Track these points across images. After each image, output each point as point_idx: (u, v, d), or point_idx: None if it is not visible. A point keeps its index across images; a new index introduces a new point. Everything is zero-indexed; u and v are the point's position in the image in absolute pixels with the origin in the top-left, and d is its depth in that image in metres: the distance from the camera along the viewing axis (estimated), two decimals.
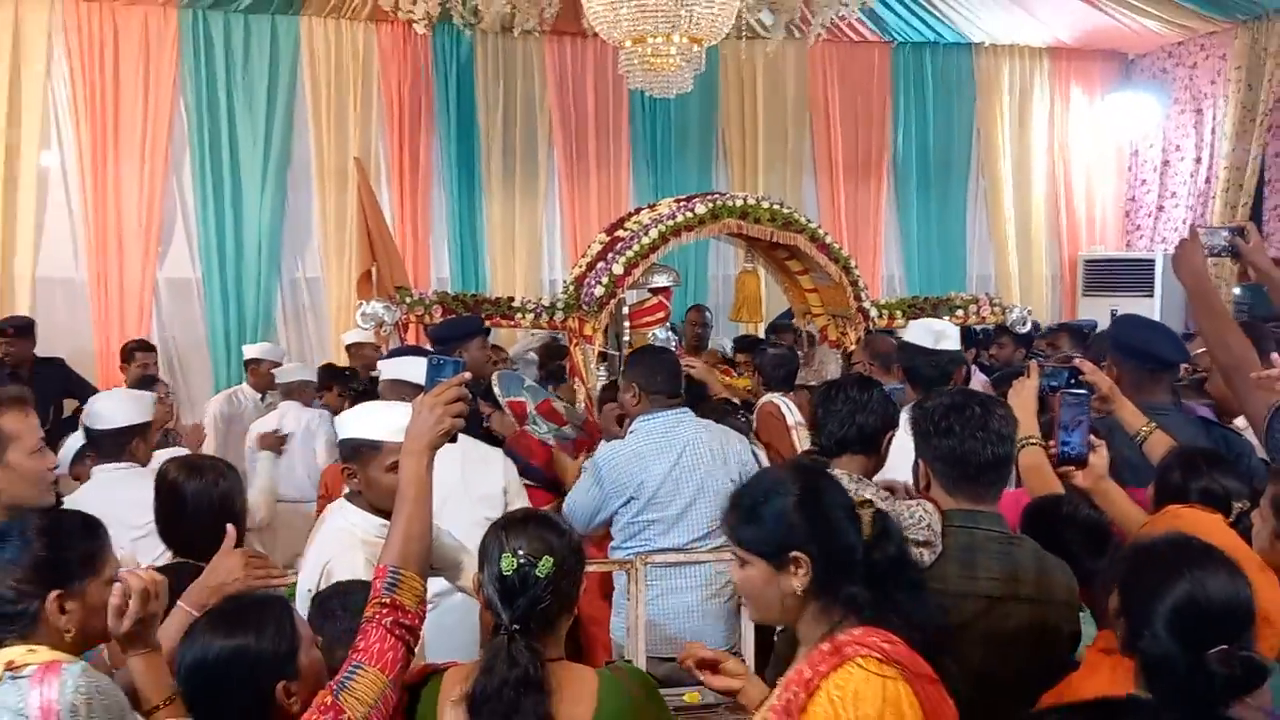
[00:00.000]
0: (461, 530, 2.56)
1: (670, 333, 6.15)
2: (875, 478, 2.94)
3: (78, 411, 5.09)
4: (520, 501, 3.58)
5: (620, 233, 5.82)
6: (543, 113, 8.65)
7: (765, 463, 4.38)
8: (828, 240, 6.03)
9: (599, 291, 5.54)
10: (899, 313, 6.37)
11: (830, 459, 2.97)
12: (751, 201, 5.88)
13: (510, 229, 8.61)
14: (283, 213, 8.08)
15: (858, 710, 1.68)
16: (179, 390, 7.55)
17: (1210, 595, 1.77)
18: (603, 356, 5.73)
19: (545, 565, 1.92)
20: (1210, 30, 8.88)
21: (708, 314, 7.75)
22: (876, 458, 3.03)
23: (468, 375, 2.14)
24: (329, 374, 6.48)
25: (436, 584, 2.48)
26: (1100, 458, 2.73)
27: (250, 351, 7.02)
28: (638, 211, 6.11)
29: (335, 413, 5.86)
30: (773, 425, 5.04)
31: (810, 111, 9.27)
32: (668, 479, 3.68)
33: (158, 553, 3.01)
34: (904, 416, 2.96)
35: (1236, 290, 8.38)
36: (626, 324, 6.03)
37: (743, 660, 2.69)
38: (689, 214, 5.69)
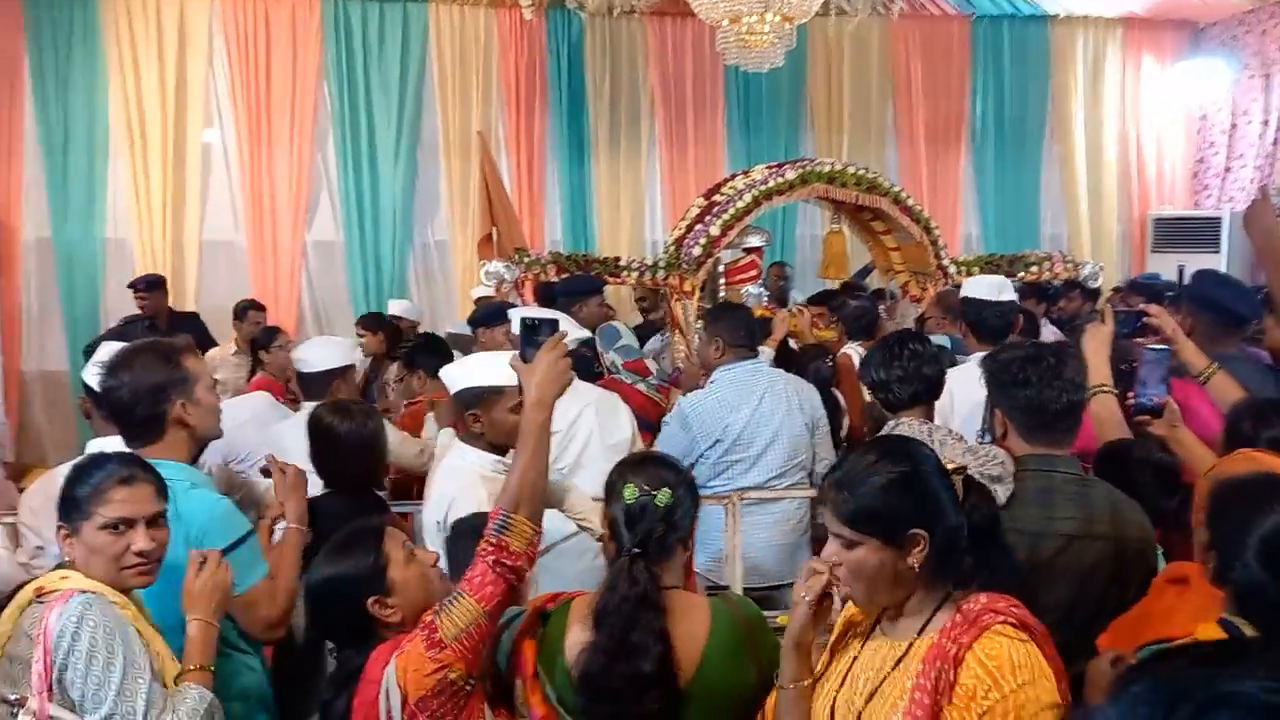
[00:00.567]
0: (599, 473, 2.56)
1: (762, 289, 6.09)
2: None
3: None
4: (640, 445, 3.62)
5: (717, 197, 5.77)
6: (645, 88, 8.60)
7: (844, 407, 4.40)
8: (909, 202, 5.90)
9: (697, 251, 5.51)
10: (976, 269, 6.16)
11: (896, 412, 2.93)
12: (838, 167, 5.76)
13: (616, 195, 8.60)
14: (414, 182, 8.20)
15: (1017, 678, 1.55)
16: None
17: None
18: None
19: (664, 496, 1.96)
20: None
21: (789, 269, 7.78)
22: (935, 402, 3.00)
23: (565, 333, 2.12)
24: (374, 320, 6.42)
25: (554, 530, 2.49)
26: (1173, 408, 2.66)
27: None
28: (733, 178, 6.02)
29: (373, 355, 5.96)
30: (848, 375, 4.99)
31: (893, 82, 9.03)
32: (750, 422, 3.68)
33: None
34: (974, 370, 2.74)
35: None
36: (722, 281, 5.98)
37: None
38: (780, 179, 5.61)
